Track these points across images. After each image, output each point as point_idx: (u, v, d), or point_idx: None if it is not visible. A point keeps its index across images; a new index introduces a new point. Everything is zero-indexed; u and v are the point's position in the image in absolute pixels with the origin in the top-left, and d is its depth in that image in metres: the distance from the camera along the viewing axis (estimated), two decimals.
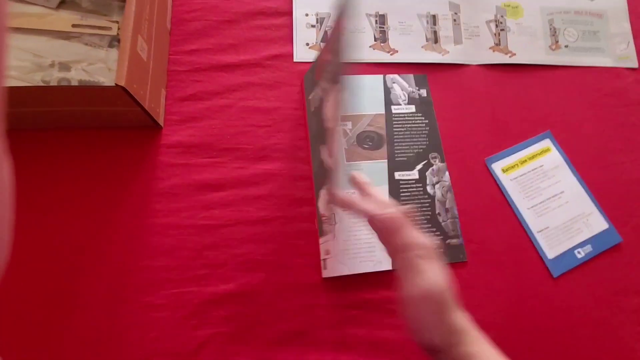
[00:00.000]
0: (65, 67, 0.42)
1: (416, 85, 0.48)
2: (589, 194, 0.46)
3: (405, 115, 0.46)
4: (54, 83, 0.42)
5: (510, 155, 0.47)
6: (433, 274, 0.28)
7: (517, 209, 0.44)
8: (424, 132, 0.46)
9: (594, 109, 0.49)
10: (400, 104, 0.47)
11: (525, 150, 0.47)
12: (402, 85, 0.47)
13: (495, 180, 0.45)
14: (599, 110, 0.49)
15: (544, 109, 0.49)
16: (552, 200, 0.45)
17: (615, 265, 0.44)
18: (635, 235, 0.45)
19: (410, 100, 0.47)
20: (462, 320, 0.28)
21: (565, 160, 0.47)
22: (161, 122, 0.44)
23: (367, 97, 0.46)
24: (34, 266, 0.38)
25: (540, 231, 0.44)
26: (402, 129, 0.46)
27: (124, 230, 0.40)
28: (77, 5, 0.44)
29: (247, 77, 0.47)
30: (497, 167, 0.46)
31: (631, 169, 0.47)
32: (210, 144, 0.44)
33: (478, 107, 0.48)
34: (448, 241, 0.42)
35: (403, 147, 0.45)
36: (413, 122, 0.46)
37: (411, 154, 0.45)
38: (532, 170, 0.46)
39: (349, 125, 0.45)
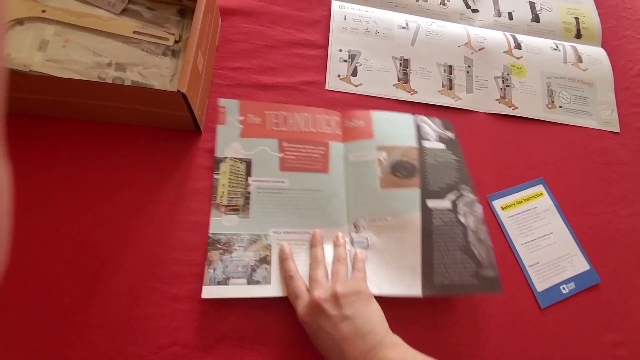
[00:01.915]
0: (121, 67, 0.46)
1: (444, 128, 0.52)
2: (573, 237, 0.51)
3: (437, 150, 0.49)
4: (109, 81, 0.45)
5: (509, 195, 0.52)
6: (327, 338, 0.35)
7: (512, 243, 0.50)
8: (454, 167, 0.48)
9: (582, 163, 0.56)
10: (431, 140, 0.49)
11: (522, 192, 0.53)
12: (430, 126, 0.51)
13: (495, 216, 0.51)
14: (585, 165, 0.56)
15: (539, 158, 0.56)
16: (542, 239, 0.51)
17: (594, 303, 0.49)
18: (612, 278, 0.50)
19: (441, 139, 0.50)
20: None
21: (555, 205, 0.53)
22: (202, 127, 0.47)
23: (400, 131, 0.50)
24: (65, 249, 0.40)
25: (531, 265, 0.49)
26: (434, 162, 0.48)
27: (158, 222, 0.43)
28: (139, 14, 0.49)
29: (282, 97, 0.51)
30: (497, 204, 0.51)
31: (611, 219, 0.53)
32: None
33: (483, 150, 0.54)
34: (482, 272, 0.42)
35: (435, 178, 0.47)
36: (444, 157, 0.48)
37: (443, 185, 0.46)
38: (527, 210, 0.52)
39: (384, 154, 0.47)
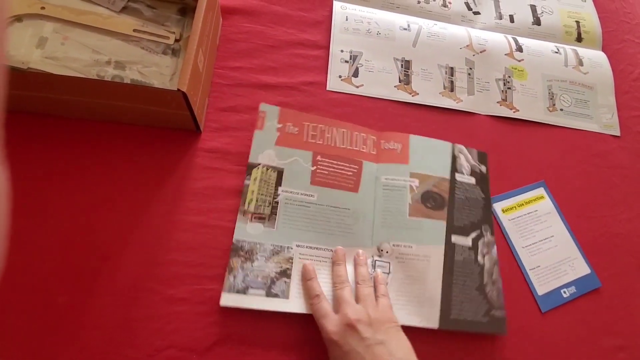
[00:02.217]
0: (120, 65, 0.46)
1: (478, 160, 0.51)
2: (574, 240, 0.51)
3: (467, 185, 0.49)
4: (107, 79, 0.45)
5: (510, 197, 0.52)
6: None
7: (513, 246, 0.49)
8: (480, 204, 0.49)
9: (582, 166, 0.56)
10: (464, 173, 0.50)
11: (523, 195, 0.53)
12: (466, 157, 0.51)
13: (496, 219, 0.50)
14: (586, 168, 0.56)
15: (540, 161, 0.55)
16: (543, 242, 0.50)
17: (595, 308, 0.48)
18: (612, 282, 0.50)
19: (472, 173, 0.50)
20: None
21: (556, 208, 0.53)
22: (202, 127, 0.47)
23: (436, 160, 0.50)
24: (61, 248, 0.40)
25: (532, 269, 0.48)
26: (463, 197, 0.48)
27: (156, 222, 0.42)
28: (139, 12, 0.48)
29: (283, 97, 0.51)
30: (498, 206, 0.51)
31: (612, 223, 0.53)
32: (244, 154, 0.47)
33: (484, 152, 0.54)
34: (493, 312, 0.44)
35: (462, 214, 0.47)
36: (472, 193, 0.49)
37: (467, 222, 0.47)
38: (528, 213, 0.52)
39: (416, 182, 0.47)
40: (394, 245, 0.45)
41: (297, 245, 0.43)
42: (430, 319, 0.42)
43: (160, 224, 0.42)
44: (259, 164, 0.45)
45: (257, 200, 0.43)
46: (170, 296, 0.40)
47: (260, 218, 0.43)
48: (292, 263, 0.42)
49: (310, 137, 0.47)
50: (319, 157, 0.46)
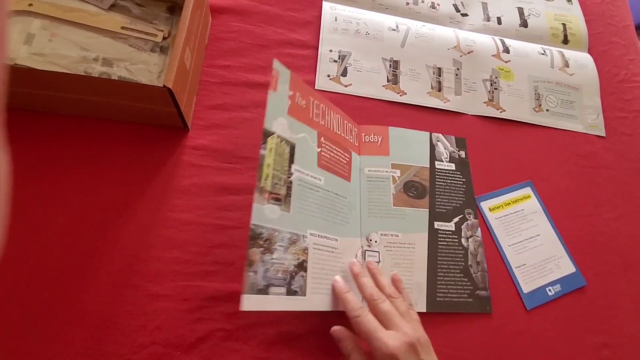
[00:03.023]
0: (108, 62, 0.46)
1: (457, 146, 0.53)
2: (560, 239, 0.52)
3: (447, 171, 0.51)
4: (95, 76, 0.45)
5: (497, 196, 0.52)
6: None
7: (499, 245, 0.50)
8: (461, 189, 0.51)
9: (568, 166, 0.57)
10: (443, 161, 0.52)
11: (510, 194, 0.53)
12: (444, 144, 0.53)
13: (483, 217, 0.51)
14: (572, 168, 0.57)
15: (527, 160, 0.56)
16: (529, 241, 0.51)
17: (580, 306, 0.49)
18: (597, 281, 0.50)
19: (452, 159, 0.52)
20: None
21: (542, 208, 0.53)
22: (189, 125, 0.47)
23: (415, 150, 0.52)
24: (45, 245, 0.39)
25: (518, 267, 0.49)
26: (443, 184, 0.50)
27: (142, 219, 0.42)
28: (128, 10, 0.48)
29: None
30: (485, 205, 0.51)
31: (597, 222, 0.54)
32: (231, 151, 0.47)
33: (471, 151, 0.55)
34: (477, 292, 0.46)
35: (443, 200, 0.49)
36: (453, 178, 0.51)
37: (449, 207, 0.49)
38: (514, 212, 0.52)
39: (398, 173, 0.49)
40: (381, 234, 0.46)
41: (311, 234, 0.39)
42: (418, 304, 0.44)
43: (147, 221, 0.42)
44: (274, 133, 0.39)
45: (272, 177, 0.38)
46: (155, 293, 0.40)
47: (276, 199, 0.38)
48: (307, 254, 0.38)
49: (314, 115, 0.44)
50: (322, 139, 0.44)
